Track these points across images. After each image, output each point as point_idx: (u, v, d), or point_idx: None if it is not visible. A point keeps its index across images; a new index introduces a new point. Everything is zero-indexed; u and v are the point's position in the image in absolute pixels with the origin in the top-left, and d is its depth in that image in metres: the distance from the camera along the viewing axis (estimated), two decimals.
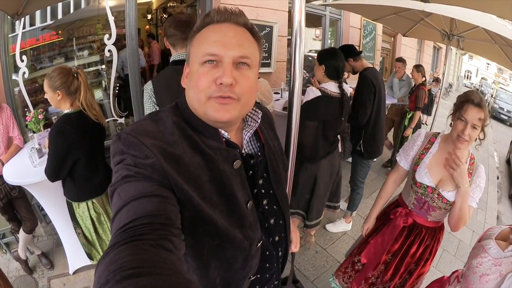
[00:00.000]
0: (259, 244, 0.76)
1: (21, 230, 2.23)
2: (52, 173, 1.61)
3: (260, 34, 0.71)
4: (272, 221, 0.82)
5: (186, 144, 0.64)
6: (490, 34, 2.84)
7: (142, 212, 0.51)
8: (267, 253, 0.82)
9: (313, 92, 1.98)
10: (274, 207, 0.83)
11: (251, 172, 0.75)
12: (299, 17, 0.97)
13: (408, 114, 4.20)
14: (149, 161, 0.57)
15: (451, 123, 1.41)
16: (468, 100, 1.30)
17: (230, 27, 0.65)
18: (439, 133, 1.52)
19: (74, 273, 2.26)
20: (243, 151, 0.74)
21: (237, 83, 0.63)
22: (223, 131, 0.69)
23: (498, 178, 5.49)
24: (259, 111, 0.78)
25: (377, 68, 6.98)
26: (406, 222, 1.54)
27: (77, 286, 2.17)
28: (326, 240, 2.78)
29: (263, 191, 0.79)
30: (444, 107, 6.67)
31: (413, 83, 4.25)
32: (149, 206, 0.52)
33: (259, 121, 0.77)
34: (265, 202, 0.80)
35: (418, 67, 4.23)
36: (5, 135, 2.14)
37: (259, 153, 0.78)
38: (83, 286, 2.16)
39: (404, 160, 1.56)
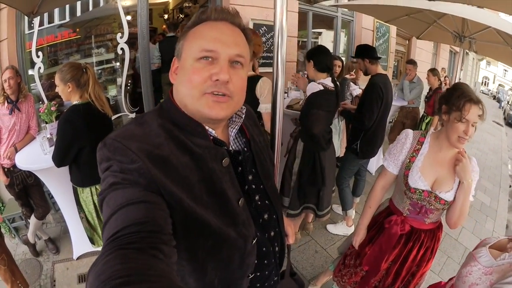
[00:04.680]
0: (254, 241, 0.75)
1: (32, 216, 2.36)
2: (58, 159, 1.72)
3: (251, 36, 0.72)
4: (266, 216, 0.82)
5: (173, 145, 0.63)
6: (502, 35, 2.75)
7: (130, 221, 0.50)
8: (264, 249, 0.81)
9: (316, 86, 2.06)
10: (266, 202, 0.82)
11: (240, 168, 0.75)
12: (281, 16, 0.99)
13: (426, 118, 4.12)
14: (135, 165, 0.56)
15: (442, 123, 1.35)
16: (470, 99, 1.22)
17: (227, 25, 0.66)
18: (427, 131, 1.45)
19: (77, 258, 2.37)
20: (230, 148, 0.74)
21: (231, 81, 0.63)
22: (210, 129, 0.68)
23: (510, 186, 5.21)
24: (243, 107, 0.78)
25: (391, 71, 6.83)
26: (404, 230, 1.45)
27: (79, 270, 2.26)
28: (327, 241, 2.74)
29: (253, 186, 0.79)
30: None
31: (424, 86, 4.16)
32: (136, 213, 0.52)
33: (243, 116, 0.77)
34: (257, 197, 0.79)
35: (433, 71, 4.17)
36: (26, 123, 2.28)
37: (245, 149, 0.78)
38: (84, 271, 2.25)
39: (392, 165, 1.46)
